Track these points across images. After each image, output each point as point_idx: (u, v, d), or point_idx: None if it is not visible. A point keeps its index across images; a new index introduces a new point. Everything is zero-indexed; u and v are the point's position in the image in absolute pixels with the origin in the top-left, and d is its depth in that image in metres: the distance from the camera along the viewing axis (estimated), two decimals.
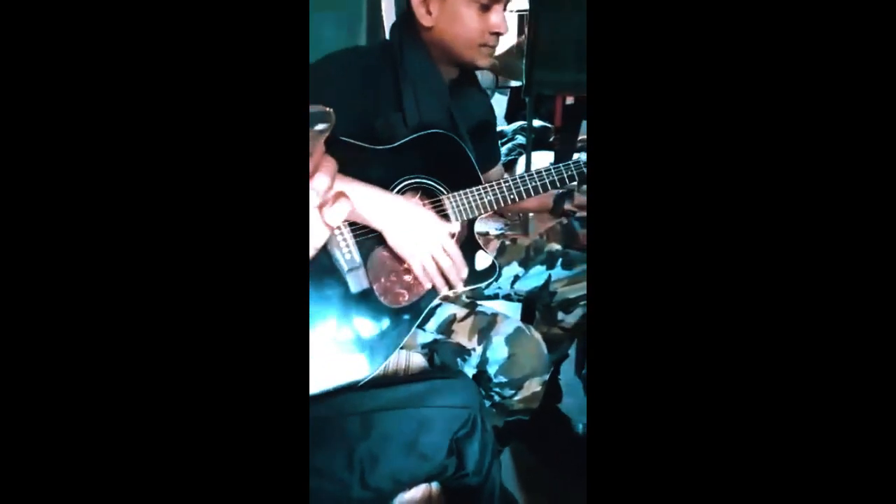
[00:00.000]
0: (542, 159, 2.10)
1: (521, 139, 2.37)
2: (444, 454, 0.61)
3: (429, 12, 0.74)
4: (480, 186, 0.77)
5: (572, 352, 1.27)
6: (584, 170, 0.79)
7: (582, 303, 0.92)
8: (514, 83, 2.88)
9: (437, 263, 0.69)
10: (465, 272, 0.72)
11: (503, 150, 2.39)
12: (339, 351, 0.68)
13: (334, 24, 1.17)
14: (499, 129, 2.88)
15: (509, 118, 2.86)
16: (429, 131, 0.75)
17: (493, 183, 0.77)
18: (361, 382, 0.68)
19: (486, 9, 0.72)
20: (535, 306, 1.00)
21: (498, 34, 0.75)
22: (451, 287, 0.72)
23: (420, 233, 0.68)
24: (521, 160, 2.10)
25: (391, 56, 0.76)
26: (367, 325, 0.69)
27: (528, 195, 0.78)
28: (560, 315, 0.95)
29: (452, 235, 0.75)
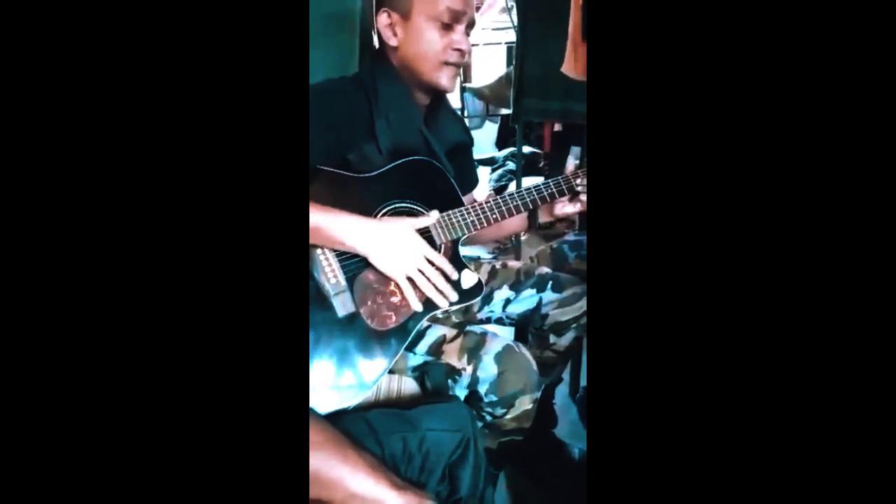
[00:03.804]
0: (532, 184, 2.14)
1: (511, 165, 2.41)
2: (437, 479, 0.60)
3: (394, 34, 0.77)
4: (463, 207, 0.78)
5: (566, 375, 1.27)
6: (564, 187, 0.80)
7: (574, 325, 0.93)
8: (504, 111, 2.95)
9: (425, 277, 0.69)
10: (454, 276, 0.72)
11: (494, 175, 2.44)
12: (328, 376, 0.68)
13: (327, 58, 1.21)
14: (490, 155, 2.94)
15: (500, 144, 2.92)
16: (409, 158, 0.77)
17: (476, 203, 0.79)
18: (352, 407, 0.68)
19: (447, 27, 0.75)
20: (528, 330, 1.01)
21: (460, 51, 0.77)
22: (445, 297, 0.72)
23: (402, 250, 0.68)
24: (512, 185, 2.13)
25: (363, 87, 0.78)
26: (356, 350, 0.69)
27: (510, 214, 0.79)
28: (552, 338, 0.95)
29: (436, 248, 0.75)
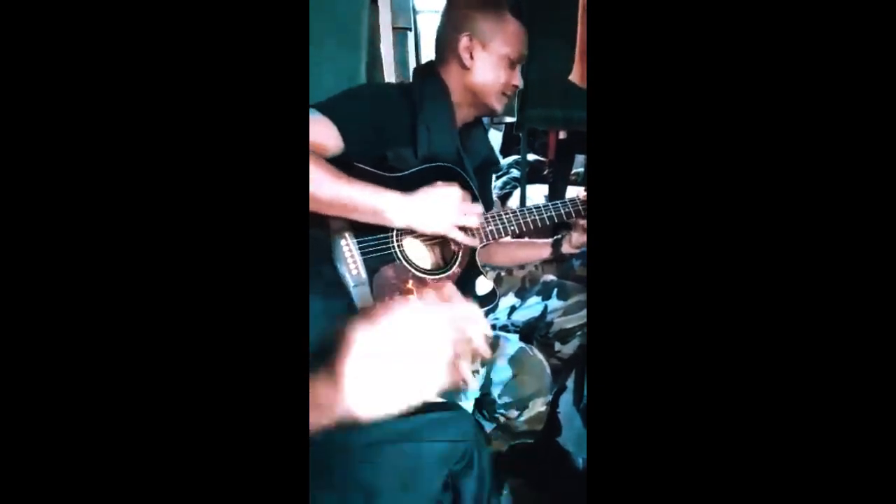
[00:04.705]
0: (537, 192, 2.14)
1: (515, 172, 2.42)
2: (440, 489, 0.60)
3: (471, 57, 0.84)
4: (484, 216, 0.79)
5: (571, 383, 1.26)
6: (580, 207, 0.82)
7: (579, 333, 0.93)
8: (508, 119, 2.96)
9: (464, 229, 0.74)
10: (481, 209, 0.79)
11: (498, 182, 2.44)
12: None
13: (334, 64, 1.22)
14: None
15: (504, 152, 2.93)
16: (437, 164, 0.80)
17: (496, 214, 0.80)
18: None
19: (513, 66, 0.85)
20: (533, 337, 1.01)
21: (515, 86, 0.87)
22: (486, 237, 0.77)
23: (439, 209, 0.72)
24: (516, 193, 2.14)
25: (409, 95, 0.83)
26: None
27: (528, 228, 0.81)
28: (557, 346, 0.95)
29: (441, 270, 0.77)
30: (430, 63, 0.89)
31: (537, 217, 0.81)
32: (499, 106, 0.87)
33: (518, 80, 0.86)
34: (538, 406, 0.77)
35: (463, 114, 0.88)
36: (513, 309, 0.95)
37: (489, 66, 0.83)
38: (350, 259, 0.70)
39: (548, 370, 0.78)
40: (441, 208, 0.73)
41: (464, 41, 0.83)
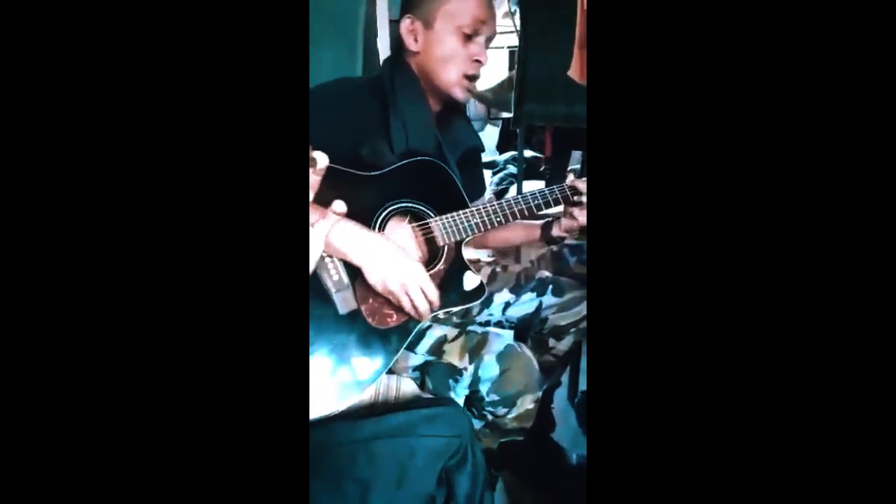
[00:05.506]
0: (533, 188, 2.15)
1: (512, 169, 2.42)
2: (434, 484, 0.60)
3: (415, 40, 0.79)
4: (467, 209, 0.78)
5: (565, 379, 1.26)
6: (568, 193, 0.81)
7: (573, 329, 0.93)
8: (505, 115, 2.96)
9: (410, 299, 0.69)
10: (436, 306, 0.72)
11: (495, 178, 2.44)
12: (327, 373, 0.67)
13: (331, 58, 1.21)
14: (491, 159, 2.95)
15: (501, 148, 2.93)
16: (417, 158, 0.77)
17: (480, 206, 0.79)
18: (350, 404, 0.67)
19: (468, 38, 0.77)
20: (527, 333, 1.01)
21: (479, 62, 0.79)
22: (418, 313, 0.71)
23: (395, 271, 0.67)
24: (513, 189, 2.13)
25: (380, 87, 0.79)
26: (356, 347, 0.69)
27: (514, 218, 0.80)
28: (552, 342, 0.95)
29: (427, 267, 0.74)
30: (399, 53, 0.83)
31: (524, 206, 0.80)
32: (459, 92, 0.80)
33: (482, 54, 0.78)
34: (527, 403, 0.77)
35: (434, 103, 0.83)
36: (507, 305, 0.95)
37: (437, 45, 0.77)
38: (330, 264, 0.68)
39: (536, 366, 0.77)
40: (393, 270, 0.67)
41: (405, 24, 0.78)
